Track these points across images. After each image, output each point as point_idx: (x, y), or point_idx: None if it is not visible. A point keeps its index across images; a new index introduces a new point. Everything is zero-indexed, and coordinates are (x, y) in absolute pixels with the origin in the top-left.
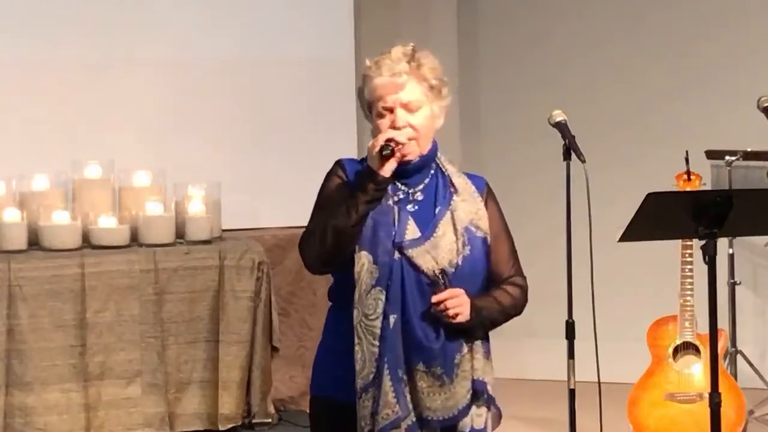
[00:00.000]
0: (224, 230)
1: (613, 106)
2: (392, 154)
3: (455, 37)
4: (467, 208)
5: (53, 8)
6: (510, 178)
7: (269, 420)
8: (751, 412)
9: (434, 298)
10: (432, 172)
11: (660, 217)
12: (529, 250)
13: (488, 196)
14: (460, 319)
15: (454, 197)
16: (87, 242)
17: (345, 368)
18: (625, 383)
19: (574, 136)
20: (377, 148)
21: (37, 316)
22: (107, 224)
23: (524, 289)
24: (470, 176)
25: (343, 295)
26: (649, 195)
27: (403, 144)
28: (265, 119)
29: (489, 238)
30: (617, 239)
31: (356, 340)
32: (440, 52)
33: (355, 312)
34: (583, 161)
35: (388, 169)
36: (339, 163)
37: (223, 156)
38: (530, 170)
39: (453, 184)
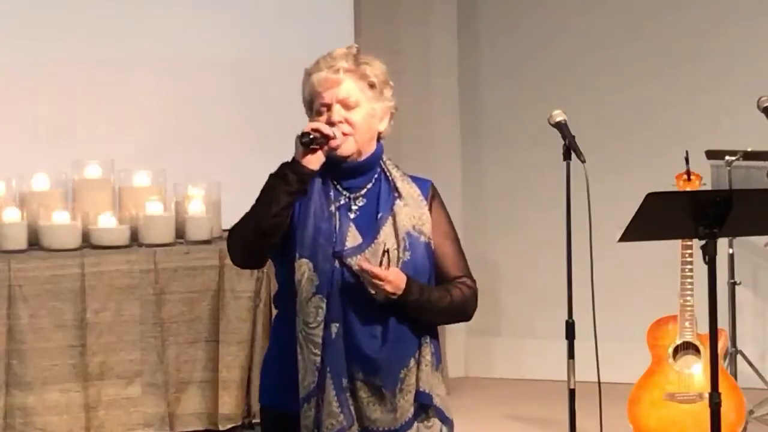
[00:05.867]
0: (224, 230)
1: (613, 106)
2: (311, 143)
3: (455, 38)
4: (410, 212)
5: (53, 8)
6: (510, 180)
7: None
8: (751, 412)
9: (364, 265)
10: (375, 176)
11: (660, 217)
12: (529, 251)
13: (433, 198)
14: (389, 288)
15: (397, 202)
16: (87, 242)
17: (289, 377)
18: (625, 383)
19: (574, 136)
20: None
21: (37, 316)
22: (107, 224)
23: (474, 291)
24: (416, 179)
25: (286, 302)
26: (649, 195)
27: (329, 136)
28: (264, 120)
29: (432, 243)
30: (617, 239)
31: (298, 349)
32: (440, 52)
33: (297, 320)
34: (583, 161)
35: (313, 161)
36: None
37: (223, 156)
38: (531, 171)
39: (397, 189)
